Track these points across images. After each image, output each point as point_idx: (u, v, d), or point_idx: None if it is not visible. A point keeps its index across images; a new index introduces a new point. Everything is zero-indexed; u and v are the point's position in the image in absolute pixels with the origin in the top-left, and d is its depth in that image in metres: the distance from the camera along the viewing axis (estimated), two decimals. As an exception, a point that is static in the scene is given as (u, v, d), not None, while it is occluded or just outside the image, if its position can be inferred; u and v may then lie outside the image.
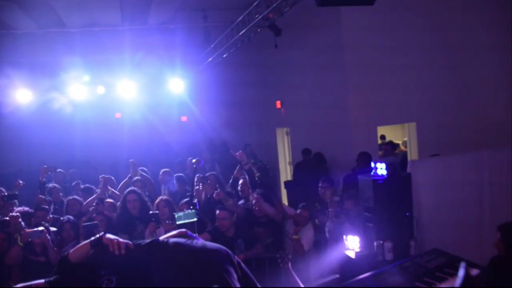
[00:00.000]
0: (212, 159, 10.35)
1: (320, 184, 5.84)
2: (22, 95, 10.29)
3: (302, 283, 3.51)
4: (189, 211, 3.72)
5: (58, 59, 10.22)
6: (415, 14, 8.21)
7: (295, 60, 9.51)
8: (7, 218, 4.87)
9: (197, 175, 5.29)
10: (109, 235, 2.10)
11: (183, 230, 2.37)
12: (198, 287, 1.91)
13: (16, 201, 6.06)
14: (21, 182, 6.88)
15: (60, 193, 7.02)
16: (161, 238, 2.30)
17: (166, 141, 12.11)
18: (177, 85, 11.00)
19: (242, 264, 2.18)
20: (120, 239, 2.08)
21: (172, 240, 2.19)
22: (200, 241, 2.25)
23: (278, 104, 10.47)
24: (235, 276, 2.01)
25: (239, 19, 7.83)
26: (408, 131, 8.98)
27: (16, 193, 6.35)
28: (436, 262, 3.85)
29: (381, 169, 4.81)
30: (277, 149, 11.33)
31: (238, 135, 12.30)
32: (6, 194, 6.27)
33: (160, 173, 7.53)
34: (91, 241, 2.11)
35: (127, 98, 11.16)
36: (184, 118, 13.64)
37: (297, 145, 9.77)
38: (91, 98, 10.94)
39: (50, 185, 7.19)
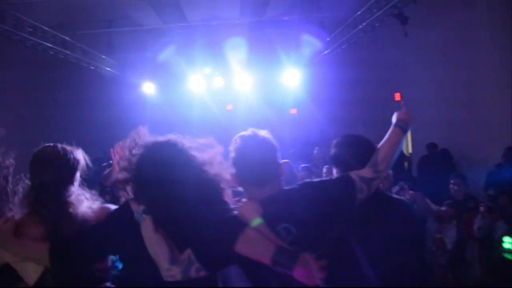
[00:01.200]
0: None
1: (452, 181, 5.43)
2: (148, 88, 10.97)
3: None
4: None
5: (180, 52, 10.67)
6: None
7: (418, 54, 8.95)
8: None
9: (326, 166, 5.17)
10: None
11: None
12: None
13: None
14: None
15: None
16: None
17: (278, 133, 12.14)
18: (291, 77, 10.98)
19: None
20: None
21: None
22: None
23: (398, 96, 9.97)
24: None
25: (364, 7, 7.53)
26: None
27: None
28: None
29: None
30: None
31: (350, 129, 11.97)
32: None
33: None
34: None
35: (241, 90, 11.41)
36: (293, 111, 13.61)
37: (418, 142, 9.25)
38: (208, 91, 11.36)
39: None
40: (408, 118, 2.28)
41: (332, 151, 2.36)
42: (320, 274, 1.66)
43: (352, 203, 1.96)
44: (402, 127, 2.22)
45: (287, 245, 1.74)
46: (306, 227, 1.83)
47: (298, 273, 1.66)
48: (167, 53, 10.61)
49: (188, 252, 1.81)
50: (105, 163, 5.51)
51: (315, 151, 8.16)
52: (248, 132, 2.08)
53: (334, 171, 2.35)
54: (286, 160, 7.66)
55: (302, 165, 6.61)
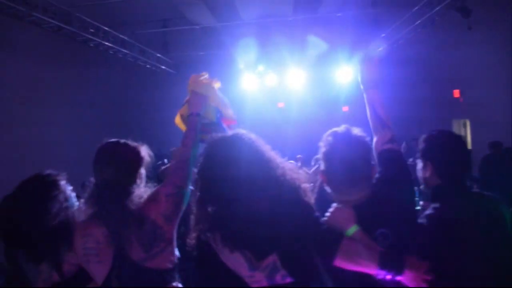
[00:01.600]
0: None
1: None
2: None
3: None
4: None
5: (233, 51, 10.80)
6: None
7: (481, 51, 8.55)
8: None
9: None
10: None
11: None
12: None
13: None
14: None
15: None
16: None
17: (328, 125, 11.97)
18: (344, 75, 10.82)
19: None
20: None
21: None
22: None
23: (457, 93, 9.60)
24: None
25: (424, 1, 7.30)
26: None
27: None
28: None
29: None
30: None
31: (403, 129, 11.61)
32: None
33: None
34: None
35: (292, 88, 11.38)
36: (345, 108, 13.41)
37: (479, 140, 8.84)
38: (260, 88, 11.42)
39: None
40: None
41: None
42: (428, 276, 1.63)
43: None
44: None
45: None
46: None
47: (407, 277, 1.62)
48: (221, 52, 10.75)
49: (273, 258, 1.74)
50: (159, 161, 5.67)
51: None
52: (342, 128, 1.99)
53: (421, 165, 2.16)
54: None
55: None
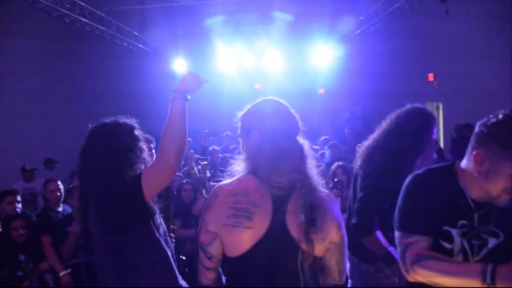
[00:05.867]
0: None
1: None
2: (178, 64, 11.10)
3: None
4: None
5: (212, 30, 10.73)
6: None
7: (455, 28, 8.76)
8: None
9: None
10: None
11: None
12: None
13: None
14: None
15: (220, 154, 7.42)
16: None
17: (306, 113, 12.11)
18: (321, 56, 10.93)
19: None
20: None
21: None
22: None
23: (431, 77, 9.84)
24: None
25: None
26: None
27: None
28: None
29: None
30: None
31: (380, 108, 11.85)
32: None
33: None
34: None
35: (269, 69, 11.43)
36: (321, 91, 13.55)
37: (451, 122, 9.15)
38: (237, 69, 11.42)
39: (210, 148, 7.72)
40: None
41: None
42: None
43: None
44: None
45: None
46: None
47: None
48: (199, 30, 10.68)
49: None
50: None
51: (346, 131, 8.19)
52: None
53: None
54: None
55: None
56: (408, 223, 1.78)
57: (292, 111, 1.84)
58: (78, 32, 8.87)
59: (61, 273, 4.11)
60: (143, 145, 2.31)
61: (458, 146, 8.16)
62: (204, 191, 4.78)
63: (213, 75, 12.05)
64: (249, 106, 1.87)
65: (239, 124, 1.87)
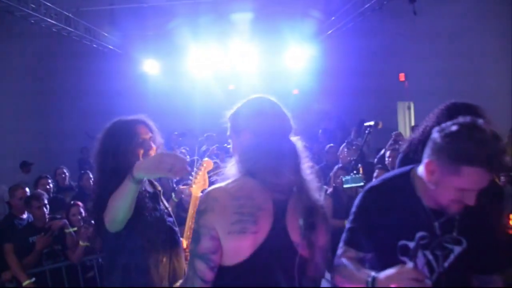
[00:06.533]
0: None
1: None
2: (150, 66, 10.93)
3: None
4: (357, 175, 3.67)
5: (183, 30, 10.60)
6: None
7: (428, 28, 8.87)
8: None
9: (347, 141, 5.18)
10: None
11: None
12: None
13: None
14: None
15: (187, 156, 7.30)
16: None
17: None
18: (294, 56, 10.93)
19: None
20: None
21: None
22: None
23: (402, 76, 9.95)
24: None
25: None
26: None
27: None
28: None
29: None
30: (398, 125, 10.83)
31: (354, 107, 11.93)
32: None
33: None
34: None
35: (243, 70, 11.38)
36: (295, 91, 13.55)
37: (422, 120, 9.23)
38: (210, 69, 11.32)
39: (182, 149, 7.61)
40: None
41: None
42: None
43: None
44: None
45: None
46: None
47: None
48: (170, 31, 10.52)
49: None
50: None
51: (320, 131, 8.18)
52: None
53: None
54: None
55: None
56: (353, 240, 1.79)
57: (283, 109, 1.76)
58: (44, 32, 8.61)
59: (25, 283, 3.94)
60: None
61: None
62: (173, 195, 4.68)
63: (184, 76, 11.93)
64: (238, 105, 1.77)
65: (229, 124, 1.77)
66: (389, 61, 10.39)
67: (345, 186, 3.82)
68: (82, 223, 4.32)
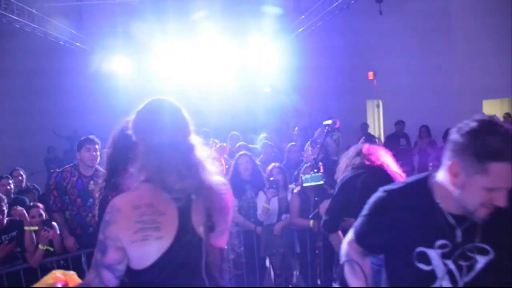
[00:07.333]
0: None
1: None
2: (118, 62, 10.78)
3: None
4: (316, 174, 3.67)
5: (151, 27, 10.45)
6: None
7: (395, 26, 9.00)
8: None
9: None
10: None
11: None
12: None
13: None
14: None
15: None
16: None
17: (253, 112, 12.06)
18: (267, 54, 10.94)
19: None
20: None
21: None
22: None
23: (371, 75, 10.08)
24: None
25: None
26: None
27: None
28: None
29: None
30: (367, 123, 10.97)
31: (324, 105, 12.02)
32: None
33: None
34: None
35: (215, 68, 11.34)
36: (267, 89, 13.57)
37: (390, 118, 9.39)
38: (179, 66, 11.23)
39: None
40: None
41: None
42: None
43: None
44: None
45: None
46: None
47: None
48: (138, 28, 10.36)
49: None
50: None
51: (296, 131, 8.17)
52: None
53: None
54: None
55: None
56: (362, 238, 1.78)
57: (183, 112, 1.71)
58: (6, 29, 8.37)
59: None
60: None
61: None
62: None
63: (155, 74, 11.77)
64: (138, 109, 1.72)
65: (130, 131, 1.73)
66: (358, 60, 10.51)
67: (305, 184, 3.83)
68: (42, 226, 4.20)
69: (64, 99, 10.90)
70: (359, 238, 1.78)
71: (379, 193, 1.73)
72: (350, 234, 1.84)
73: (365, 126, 9.86)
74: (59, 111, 10.95)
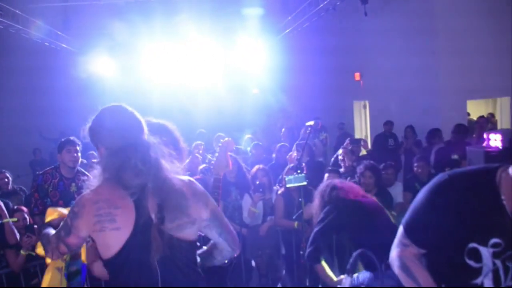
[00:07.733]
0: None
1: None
2: (105, 64, 10.71)
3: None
4: (299, 175, 3.68)
5: (138, 29, 10.41)
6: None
7: (379, 29, 9.06)
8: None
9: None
10: None
11: None
12: None
13: None
14: None
15: None
16: None
17: (240, 112, 12.06)
18: (255, 55, 10.95)
19: None
20: None
21: None
22: None
23: (357, 76, 10.14)
24: None
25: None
26: (500, 106, 8.43)
27: None
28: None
29: (495, 140, 4.50)
30: (354, 123, 11.04)
31: (310, 107, 12.05)
32: None
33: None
34: None
35: (201, 70, 11.33)
36: (255, 90, 13.57)
37: (377, 119, 9.45)
38: (167, 68, 11.21)
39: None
40: None
41: None
42: None
43: None
44: None
45: None
46: None
47: None
48: (125, 30, 10.31)
49: None
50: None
51: (282, 132, 8.19)
52: None
53: None
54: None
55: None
56: (412, 230, 1.67)
57: (136, 115, 1.89)
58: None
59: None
60: None
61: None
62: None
63: (142, 75, 11.72)
64: (92, 118, 1.89)
65: (88, 139, 1.91)
66: (344, 60, 10.56)
67: (288, 185, 3.85)
68: (25, 231, 4.17)
69: (51, 100, 10.80)
70: (411, 229, 1.66)
71: (441, 178, 1.61)
72: (399, 233, 1.71)
73: (341, 125, 9.96)
74: (46, 112, 10.86)
